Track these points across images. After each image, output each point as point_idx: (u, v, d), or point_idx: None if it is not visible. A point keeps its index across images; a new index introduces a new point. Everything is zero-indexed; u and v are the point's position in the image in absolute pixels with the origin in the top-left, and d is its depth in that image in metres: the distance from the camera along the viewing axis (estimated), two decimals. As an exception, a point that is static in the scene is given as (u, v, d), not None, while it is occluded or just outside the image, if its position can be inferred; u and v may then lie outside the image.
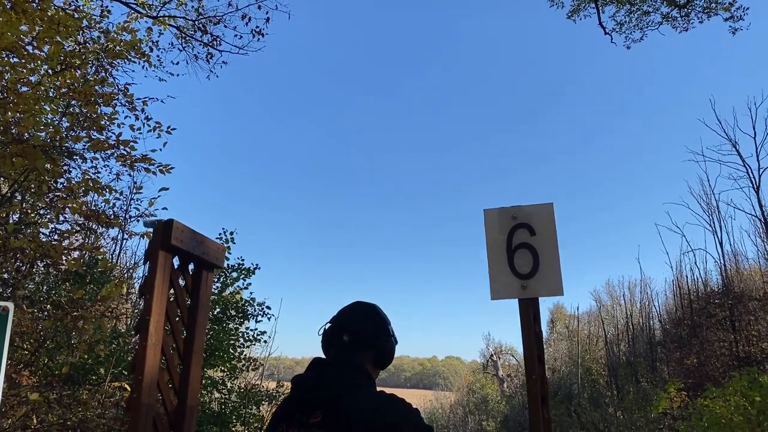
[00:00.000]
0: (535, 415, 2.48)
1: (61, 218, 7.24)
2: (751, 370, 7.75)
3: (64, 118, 7.17)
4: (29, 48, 6.07)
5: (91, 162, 7.53)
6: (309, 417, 1.69)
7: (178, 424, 2.84)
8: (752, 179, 19.13)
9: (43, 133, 6.27)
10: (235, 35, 9.57)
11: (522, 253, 2.71)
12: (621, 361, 24.15)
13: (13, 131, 5.80)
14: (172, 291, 2.88)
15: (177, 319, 2.92)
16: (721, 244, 20.98)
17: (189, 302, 3.03)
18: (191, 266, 3.05)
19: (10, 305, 2.91)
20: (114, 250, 12.51)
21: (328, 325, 1.93)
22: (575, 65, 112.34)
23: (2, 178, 6.93)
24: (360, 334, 1.86)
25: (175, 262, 2.90)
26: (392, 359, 1.97)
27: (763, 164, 19.00)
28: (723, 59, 66.67)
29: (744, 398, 7.43)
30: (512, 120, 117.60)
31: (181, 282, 3.01)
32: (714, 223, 21.35)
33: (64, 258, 6.51)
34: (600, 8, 12.38)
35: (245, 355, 10.81)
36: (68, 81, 6.53)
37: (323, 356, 1.91)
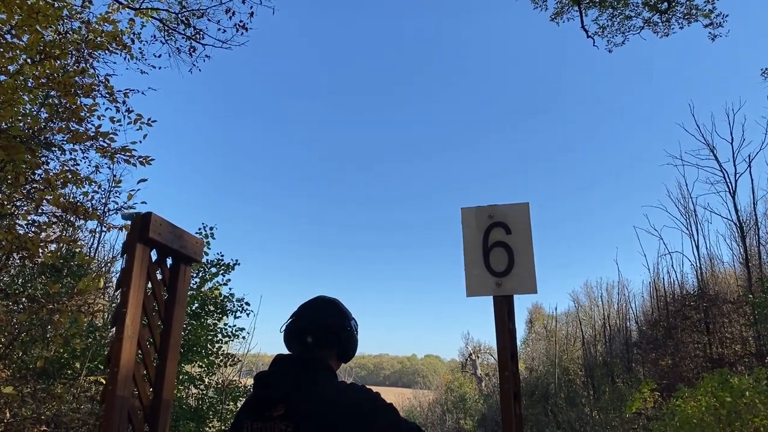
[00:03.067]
0: (508, 412, 2.52)
1: (39, 210, 7.15)
2: (722, 371, 7.89)
3: (42, 109, 7.08)
4: (8, 37, 5.99)
5: (70, 153, 7.46)
6: (272, 411, 1.72)
7: (153, 418, 2.83)
8: (729, 184, 19.49)
9: (21, 124, 6.19)
10: (219, 29, 9.50)
11: (497, 251, 2.75)
12: (597, 361, 24.44)
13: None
14: (149, 285, 2.87)
15: (154, 312, 2.92)
16: (697, 247, 21.35)
17: (166, 296, 3.02)
18: (169, 260, 3.04)
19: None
20: (92, 244, 12.40)
21: (290, 320, 1.94)
22: (555, 71, 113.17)
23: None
24: (323, 331, 1.88)
25: (153, 255, 2.90)
26: (355, 353, 1.99)
27: (740, 169, 19.38)
28: (702, 65, 67.65)
29: (715, 399, 7.57)
30: (494, 125, 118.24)
31: (159, 276, 3.01)
32: (691, 226, 21.72)
33: (41, 251, 6.44)
34: (583, 12, 12.51)
35: (223, 351, 10.77)
36: (47, 71, 6.45)
37: (287, 352, 1.93)
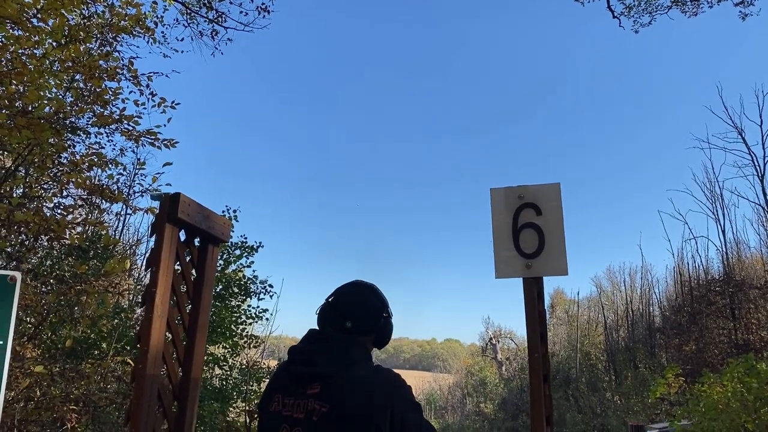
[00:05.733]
0: (537, 392, 2.50)
1: (65, 192, 7.25)
2: (748, 356, 7.77)
3: (68, 93, 7.14)
4: (34, 21, 6.04)
5: (96, 137, 7.53)
6: (306, 388, 1.70)
7: (182, 396, 2.86)
8: (757, 167, 19.08)
9: (48, 108, 6.26)
10: (241, 12, 9.49)
11: (527, 232, 2.71)
12: (620, 346, 24.28)
13: (18, 104, 5.79)
14: (178, 264, 2.89)
15: (182, 292, 2.94)
16: (723, 232, 20.98)
17: (194, 276, 3.04)
18: (197, 240, 3.05)
19: (18, 275, 2.93)
20: (117, 227, 12.56)
21: (327, 302, 1.93)
22: (577, 55, 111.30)
23: (6, 152, 6.92)
24: (362, 318, 1.86)
25: (181, 236, 2.91)
26: (390, 339, 1.98)
27: (769, 152, 18.95)
28: (732, 45, 66.18)
29: (741, 384, 7.47)
30: (516, 109, 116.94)
31: (187, 256, 3.02)
32: (717, 211, 21.35)
33: (67, 232, 6.53)
34: (609, -9, 12.23)
35: (247, 332, 10.89)
36: (72, 55, 6.50)
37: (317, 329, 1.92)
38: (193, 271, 3.04)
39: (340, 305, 1.89)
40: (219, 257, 10.40)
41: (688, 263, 22.25)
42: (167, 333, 2.75)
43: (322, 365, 1.73)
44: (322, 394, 1.67)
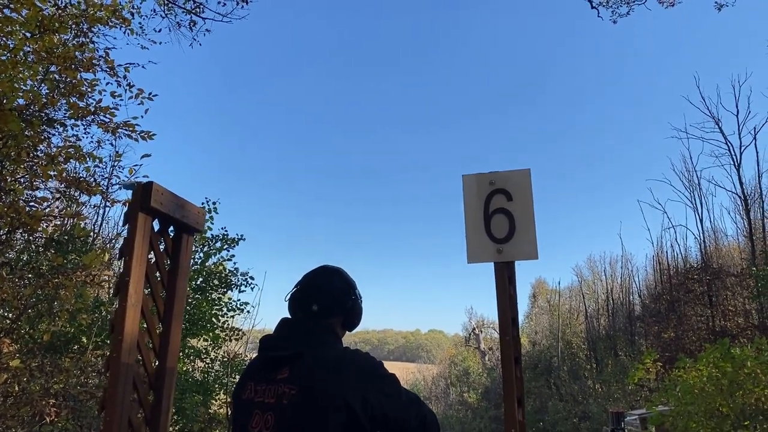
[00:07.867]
0: (509, 374, 2.54)
1: (42, 185, 7.16)
2: (723, 341, 7.91)
3: (43, 84, 7.04)
4: (6, 11, 5.94)
5: (72, 129, 7.44)
6: (276, 373, 1.72)
7: (158, 385, 2.86)
8: (733, 157, 19.39)
9: (22, 100, 6.16)
10: (219, 2, 9.41)
11: (498, 218, 2.74)
12: (600, 335, 24.57)
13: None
14: (152, 254, 2.88)
15: (157, 281, 2.93)
16: (701, 220, 21.31)
17: (169, 266, 3.03)
18: (171, 229, 3.05)
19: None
20: (96, 220, 12.44)
21: (295, 289, 1.94)
22: (557, 46, 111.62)
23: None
24: (328, 299, 1.88)
25: (156, 225, 2.90)
26: (360, 321, 2.00)
27: (745, 142, 19.29)
28: (708, 36, 66.88)
29: (716, 369, 7.60)
30: (496, 102, 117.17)
31: (161, 245, 3.02)
32: (695, 200, 21.68)
33: (42, 225, 6.46)
34: (587, -19, 12.27)
35: (229, 325, 10.84)
36: (47, 45, 6.40)
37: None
38: (168, 261, 3.04)
39: (307, 289, 1.92)
40: (199, 249, 10.37)
41: (667, 252, 22.60)
42: (142, 322, 2.74)
43: (289, 348, 1.75)
44: (291, 377, 1.69)
